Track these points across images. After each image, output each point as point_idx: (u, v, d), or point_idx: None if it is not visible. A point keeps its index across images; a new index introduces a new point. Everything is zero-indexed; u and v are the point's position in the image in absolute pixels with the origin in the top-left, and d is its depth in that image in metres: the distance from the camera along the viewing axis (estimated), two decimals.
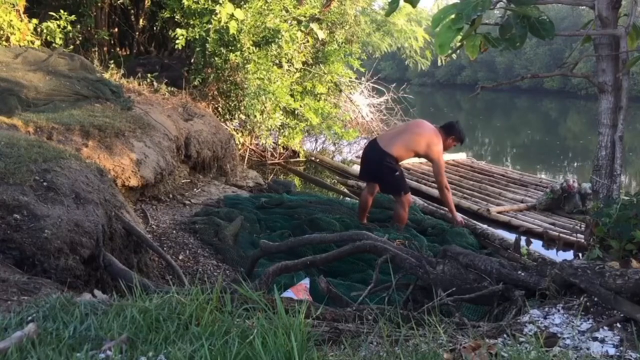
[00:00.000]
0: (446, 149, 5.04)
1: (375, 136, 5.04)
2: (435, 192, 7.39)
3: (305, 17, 8.81)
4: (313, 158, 9.63)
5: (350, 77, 10.58)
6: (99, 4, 8.86)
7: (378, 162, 4.86)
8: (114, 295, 1.84)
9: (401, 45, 13.85)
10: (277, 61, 8.40)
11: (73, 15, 7.70)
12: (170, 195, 5.44)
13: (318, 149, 10.49)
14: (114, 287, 2.54)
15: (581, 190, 6.34)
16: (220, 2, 7.46)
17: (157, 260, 3.61)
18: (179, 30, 7.70)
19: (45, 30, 7.26)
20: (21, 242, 2.38)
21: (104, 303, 1.62)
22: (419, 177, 8.35)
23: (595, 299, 1.85)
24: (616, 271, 1.88)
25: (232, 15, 7.49)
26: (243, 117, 8.32)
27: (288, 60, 8.59)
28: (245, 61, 7.85)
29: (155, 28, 10.00)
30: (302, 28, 8.77)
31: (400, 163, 4.98)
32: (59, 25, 7.40)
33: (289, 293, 2.99)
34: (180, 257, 4.06)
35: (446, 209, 5.33)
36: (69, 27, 7.59)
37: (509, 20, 2.95)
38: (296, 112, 8.87)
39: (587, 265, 1.98)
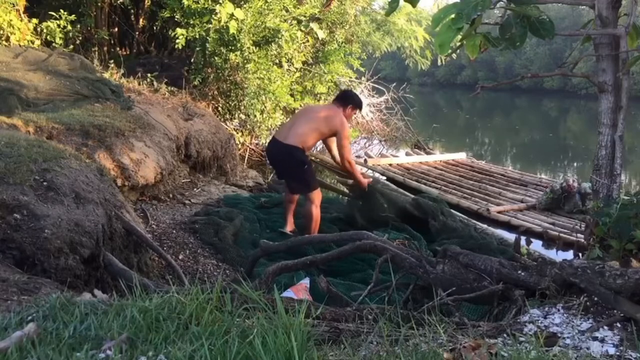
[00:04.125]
0: (348, 118, 4.64)
1: (278, 136, 4.59)
2: (434, 191, 7.41)
3: (305, 16, 8.81)
4: (313, 158, 9.63)
5: (350, 77, 10.58)
6: (99, 4, 8.87)
7: (285, 158, 4.50)
8: (114, 295, 1.84)
9: (401, 44, 13.87)
10: (277, 61, 8.41)
11: (73, 15, 7.70)
12: (170, 195, 5.44)
13: (318, 149, 10.49)
14: (114, 287, 2.54)
15: (581, 190, 6.34)
16: (220, 1, 7.46)
17: (157, 260, 3.61)
18: (179, 30, 7.70)
19: (45, 30, 7.26)
20: (21, 242, 2.38)
21: (104, 303, 1.62)
22: (418, 177, 8.36)
23: (595, 299, 1.85)
24: (616, 271, 1.88)
25: (232, 15, 7.49)
26: (243, 116, 8.32)
27: (288, 60, 8.60)
28: (245, 61, 7.85)
29: (155, 28, 10.00)
30: (302, 28, 8.77)
31: (312, 157, 4.67)
32: (59, 25, 7.40)
33: (289, 293, 2.99)
34: (180, 257, 4.06)
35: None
36: (69, 27, 7.59)
37: (509, 20, 2.95)
38: (296, 112, 8.87)
39: (587, 265, 1.98)
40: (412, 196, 5.83)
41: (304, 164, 4.50)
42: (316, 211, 4.52)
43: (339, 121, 4.49)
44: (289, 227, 4.67)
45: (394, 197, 5.27)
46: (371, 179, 5.04)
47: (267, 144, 4.96)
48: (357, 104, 4.77)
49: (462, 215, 5.71)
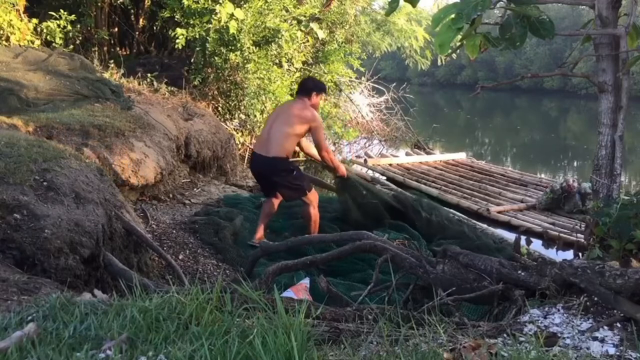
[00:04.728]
0: (316, 106, 4.56)
1: (259, 149, 4.45)
2: (434, 191, 7.41)
3: (305, 16, 8.81)
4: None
5: (350, 77, 10.59)
6: (99, 4, 8.87)
7: (272, 171, 4.39)
8: (114, 295, 1.84)
9: (401, 44, 13.87)
10: (277, 61, 8.41)
11: (73, 15, 7.70)
12: (170, 195, 5.44)
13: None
14: (114, 287, 2.54)
15: (581, 190, 6.34)
16: (220, 1, 7.46)
17: (157, 260, 3.61)
18: (179, 30, 7.70)
19: (45, 30, 7.26)
20: (21, 242, 2.38)
21: (104, 303, 1.62)
22: (418, 177, 8.36)
23: (595, 299, 1.85)
24: (616, 271, 1.88)
25: (232, 15, 7.49)
26: (243, 116, 8.32)
27: (288, 60, 8.60)
28: (245, 61, 7.85)
29: (155, 28, 10.00)
30: (302, 28, 8.77)
31: (293, 159, 4.58)
32: (59, 25, 7.40)
33: (289, 293, 2.99)
34: (180, 257, 4.06)
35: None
36: (69, 27, 7.59)
37: (509, 20, 2.95)
38: None
39: (587, 265, 1.98)
40: (391, 192, 5.86)
41: (292, 170, 4.46)
42: (314, 212, 4.51)
43: (310, 115, 4.40)
44: (258, 235, 4.47)
45: (371, 187, 5.30)
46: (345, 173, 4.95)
47: (249, 160, 4.79)
48: (321, 89, 4.65)
49: (462, 215, 5.71)
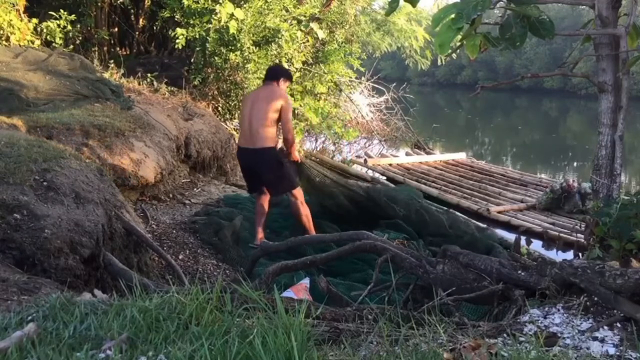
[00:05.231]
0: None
1: (245, 144, 4.45)
2: (434, 191, 7.41)
3: (305, 16, 8.81)
4: (313, 157, 9.63)
5: (350, 77, 10.58)
6: (99, 4, 8.86)
7: (263, 163, 4.38)
8: (114, 295, 1.84)
9: (401, 44, 13.85)
10: (277, 61, 8.40)
11: (73, 15, 7.69)
12: (170, 195, 5.44)
13: (318, 149, 10.49)
14: (114, 287, 2.54)
15: (581, 189, 6.35)
16: (220, 1, 7.46)
17: (157, 260, 3.61)
18: (179, 30, 7.70)
19: (45, 30, 7.26)
20: (21, 242, 2.38)
21: (104, 303, 1.62)
22: (418, 177, 8.36)
23: (595, 299, 1.84)
24: (616, 271, 1.88)
25: (232, 15, 7.49)
26: None
27: (288, 60, 8.59)
28: (245, 61, 7.85)
29: (155, 28, 10.00)
30: (302, 28, 8.77)
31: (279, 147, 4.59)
32: (59, 25, 7.40)
33: (289, 293, 2.99)
34: (180, 257, 4.06)
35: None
36: (69, 27, 7.58)
37: (509, 20, 2.95)
38: (296, 112, 8.87)
39: (587, 264, 1.98)
40: (365, 185, 5.83)
41: (281, 162, 4.46)
42: (304, 208, 4.51)
43: (282, 97, 4.41)
44: (259, 236, 4.45)
45: (331, 175, 5.26)
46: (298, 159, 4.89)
47: (237, 155, 4.80)
48: (288, 76, 4.75)
49: (462, 215, 5.71)
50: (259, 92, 4.62)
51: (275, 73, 4.65)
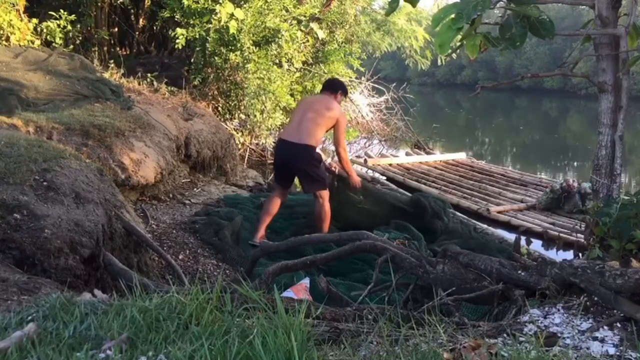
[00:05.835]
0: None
1: (289, 137, 4.54)
2: (434, 191, 7.40)
3: (305, 16, 8.81)
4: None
5: (350, 77, 10.58)
6: (99, 4, 8.86)
7: (301, 159, 4.47)
8: (114, 295, 1.84)
9: (401, 44, 13.86)
10: (277, 61, 8.41)
11: (73, 15, 7.69)
12: (170, 195, 5.44)
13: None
14: (114, 287, 2.54)
15: (581, 189, 6.34)
16: (220, 1, 7.46)
17: (157, 260, 3.61)
18: (179, 30, 7.70)
19: (45, 30, 7.26)
20: (21, 242, 2.38)
21: (104, 303, 1.62)
22: (418, 177, 8.36)
23: (595, 299, 1.84)
24: (616, 271, 1.88)
25: (232, 15, 7.49)
26: (243, 116, 8.32)
27: (288, 60, 8.59)
28: (245, 61, 7.85)
29: (155, 28, 10.00)
30: (302, 27, 8.77)
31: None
32: (59, 25, 7.40)
33: (289, 293, 2.99)
34: (180, 257, 4.06)
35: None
36: (69, 27, 7.58)
37: (509, 20, 2.95)
38: None
39: (587, 264, 1.98)
40: (409, 194, 5.83)
41: (320, 161, 4.62)
42: (325, 210, 4.59)
43: (338, 110, 4.63)
44: (260, 234, 4.48)
45: (382, 194, 5.32)
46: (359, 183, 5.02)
47: (275, 147, 4.95)
48: (345, 91, 4.94)
49: (463, 215, 5.71)
50: (318, 98, 4.83)
51: (335, 86, 4.85)
